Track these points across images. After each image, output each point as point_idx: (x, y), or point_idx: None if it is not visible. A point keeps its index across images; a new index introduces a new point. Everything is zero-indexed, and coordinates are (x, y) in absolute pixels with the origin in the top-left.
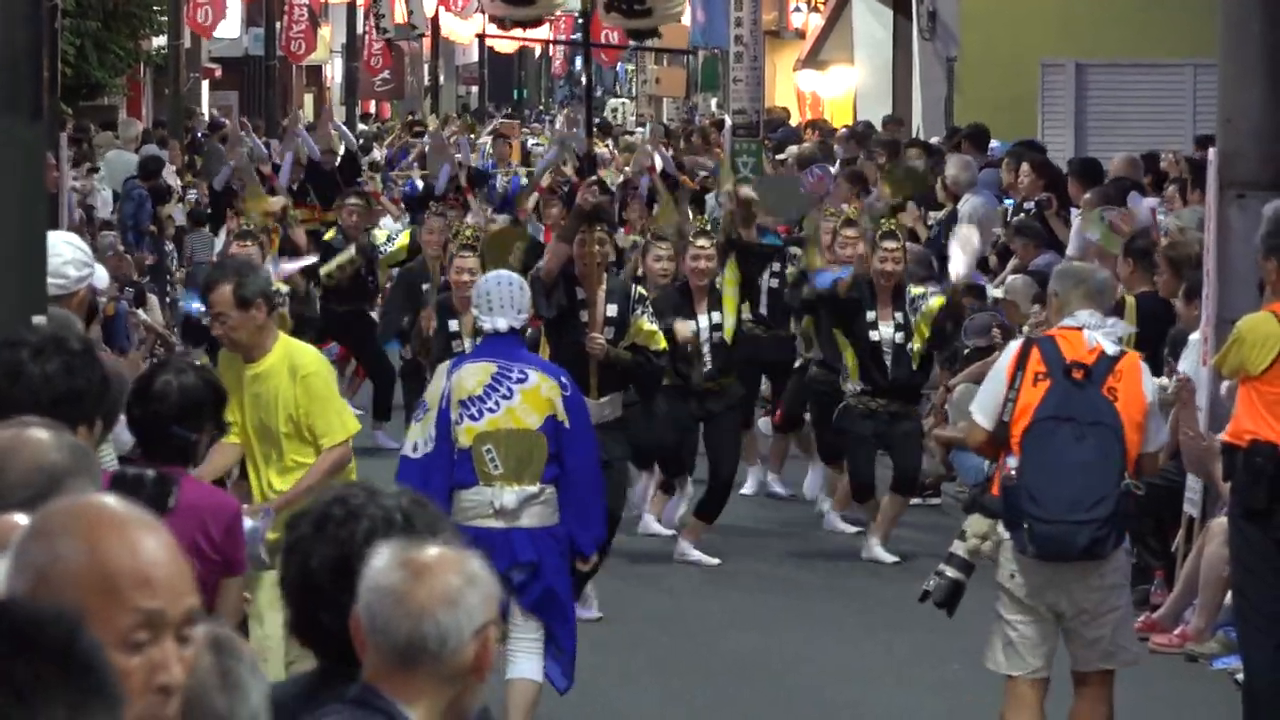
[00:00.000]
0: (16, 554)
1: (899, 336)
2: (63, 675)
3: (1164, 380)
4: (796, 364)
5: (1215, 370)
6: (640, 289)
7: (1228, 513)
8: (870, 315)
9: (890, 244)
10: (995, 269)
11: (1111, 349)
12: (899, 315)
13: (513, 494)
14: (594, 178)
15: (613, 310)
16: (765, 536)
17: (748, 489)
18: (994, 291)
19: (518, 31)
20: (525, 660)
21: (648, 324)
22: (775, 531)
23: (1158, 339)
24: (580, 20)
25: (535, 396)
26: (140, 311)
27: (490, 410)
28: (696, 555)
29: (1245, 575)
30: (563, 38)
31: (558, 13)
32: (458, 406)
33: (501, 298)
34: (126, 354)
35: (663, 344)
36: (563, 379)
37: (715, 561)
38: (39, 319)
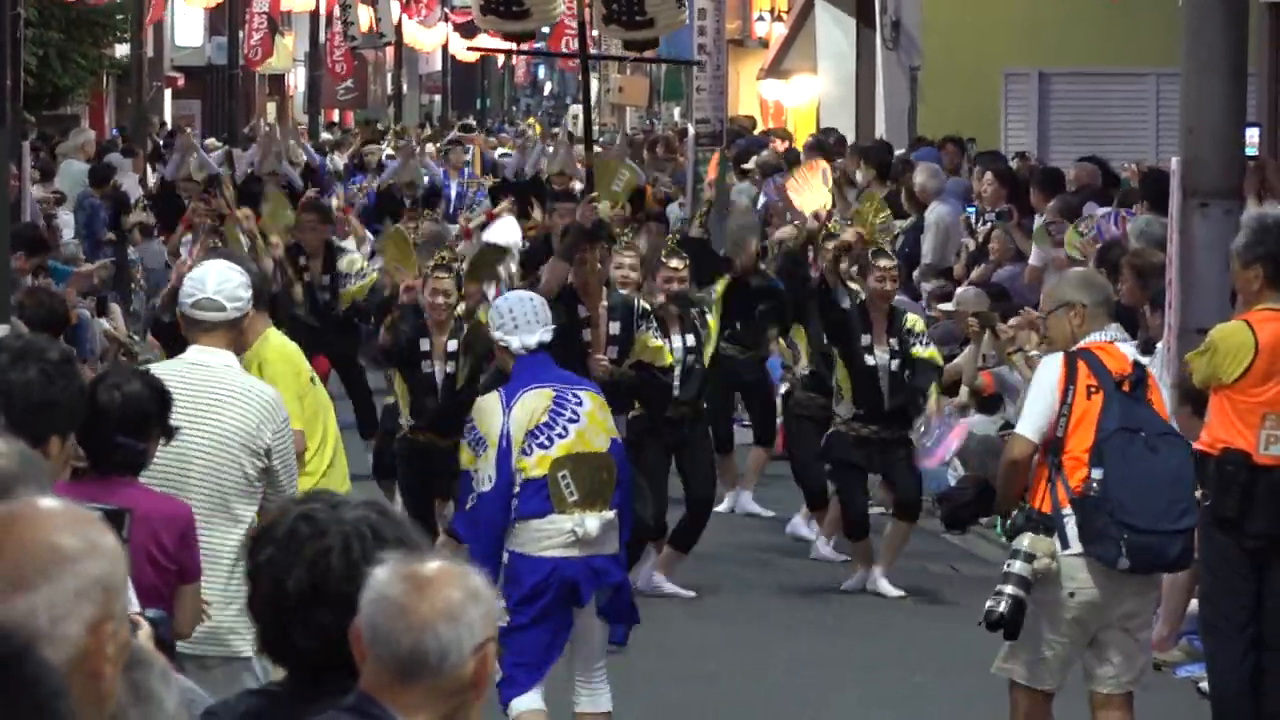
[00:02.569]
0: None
1: (894, 364)
2: (5, 701)
3: None
4: (783, 389)
5: (1175, 387)
6: (644, 304)
7: (1199, 520)
8: (865, 339)
9: (885, 263)
10: (960, 278)
11: (1141, 360)
12: (893, 341)
13: (595, 520)
14: (594, 194)
15: (615, 328)
16: (745, 564)
17: (723, 507)
18: (943, 306)
19: (480, 43)
20: (596, 692)
21: (653, 340)
22: (755, 559)
23: None
24: (576, 30)
25: (595, 419)
26: (103, 320)
27: (560, 436)
28: (672, 588)
29: (1214, 583)
30: (527, 48)
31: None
32: (524, 439)
33: (525, 314)
34: (88, 364)
35: (669, 359)
36: (602, 395)
37: (691, 594)
38: (2, 327)
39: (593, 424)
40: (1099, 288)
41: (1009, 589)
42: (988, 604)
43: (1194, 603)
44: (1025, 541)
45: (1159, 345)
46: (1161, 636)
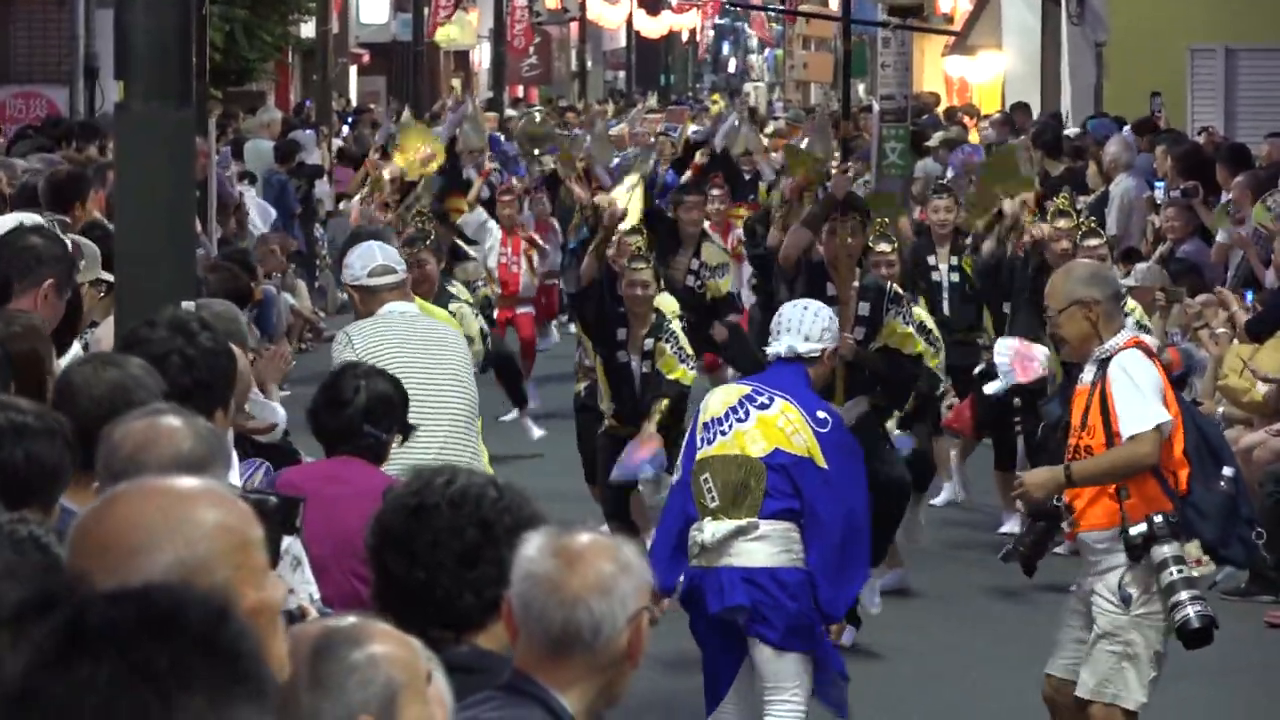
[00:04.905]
0: (117, 568)
1: None
2: (206, 663)
3: None
4: (977, 369)
5: None
6: (896, 288)
7: None
8: None
9: (1094, 241)
10: (1147, 254)
11: None
12: None
13: (716, 528)
14: (848, 164)
15: (864, 309)
16: (951, 561)
17: (939, 500)
18: (1125, 281)
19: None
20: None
21: (902, 326)
22: (959, 556)
23: None
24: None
25: (769, 425)
26: (288, 296)
27: (721, 434)
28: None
29: None
30: (709, 22)
31: None
32: (702, 430)
33: (791, 321)
34: (275, 340)
35: (919, 348)
36: (821, 415)
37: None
38: (188, 304)
39: (761, 427)
40: (1110, 281)
41: (1185, 595)
42: (1177, 619)
43: None
44: (1167, 550)
45: None
46: None
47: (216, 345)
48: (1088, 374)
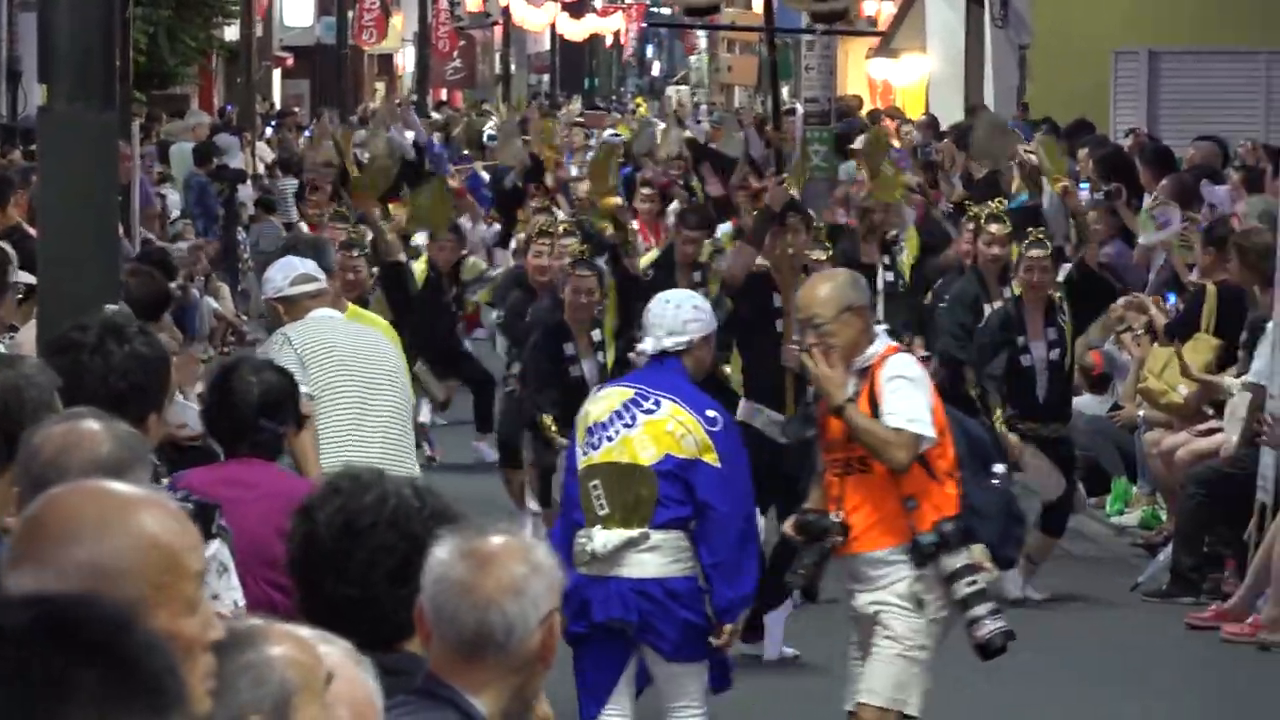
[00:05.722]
0: (40, 555)
1: (1054, 354)
2: (95, 675)
3: (1232, 378)
4: None
5: None
6: None
7: None
8: (1020, 340)
9: (1037, 252)
10: (1071, 256)
11: None
12: (1051, 331)
13: (607, 537)
14: (782, 175)
15: None
16: None
17: None
18: None
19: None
20: None
21: None
22: None
23: (1236, 327)
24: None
25: (658, 429)
26: (211, 300)
27: (608, 440)
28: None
29: None
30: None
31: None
32: (584, 435)
33: (657, 316)
34: (196, 341)
35: None
36: (710, 413)
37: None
38: (111, 307)
39: (649, 433)
40: (865, 287)
41: (983, 610)
42: (980, 635)
43: None
44: (961, 559)
45: (1269, 324)
46: (1271, 618)
47: (151, 349)
48: (849, 387)
